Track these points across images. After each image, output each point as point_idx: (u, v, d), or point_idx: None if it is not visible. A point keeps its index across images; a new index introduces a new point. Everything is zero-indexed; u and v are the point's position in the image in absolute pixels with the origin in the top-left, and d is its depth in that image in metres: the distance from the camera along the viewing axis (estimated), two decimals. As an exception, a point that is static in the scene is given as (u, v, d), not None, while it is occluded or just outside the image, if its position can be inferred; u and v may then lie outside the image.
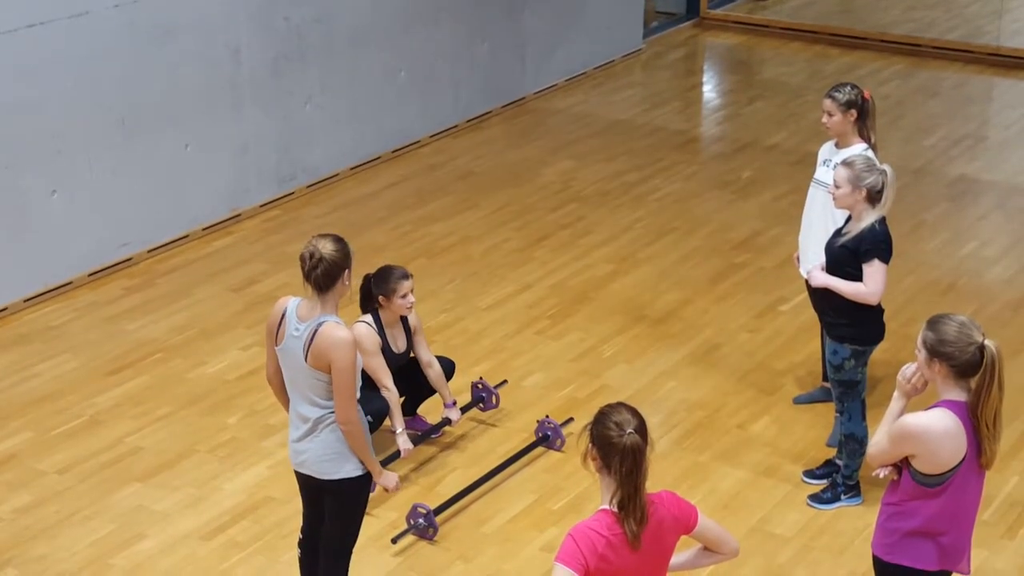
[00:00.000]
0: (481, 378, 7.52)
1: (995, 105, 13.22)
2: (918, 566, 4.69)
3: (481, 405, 7.45)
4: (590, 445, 4.11)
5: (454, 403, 7.20)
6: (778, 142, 11.70)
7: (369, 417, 5.68)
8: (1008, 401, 4.64)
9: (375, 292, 6.85)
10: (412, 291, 6.84)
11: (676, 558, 4.31)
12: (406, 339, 7.02)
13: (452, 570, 6.28)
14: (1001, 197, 10.57)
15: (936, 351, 4.53)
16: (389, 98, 11.16)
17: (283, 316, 5.23)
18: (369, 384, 6.55)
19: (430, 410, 7.45)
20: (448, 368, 7.24)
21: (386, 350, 6.86)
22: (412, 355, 7.11)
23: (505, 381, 7.63)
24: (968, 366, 4.49)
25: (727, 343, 8.32)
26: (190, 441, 7.29)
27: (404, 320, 6.98)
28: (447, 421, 7.19)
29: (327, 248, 5.12)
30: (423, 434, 7.20)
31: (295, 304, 5.24)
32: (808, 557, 6.36)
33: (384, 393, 6.79)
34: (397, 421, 6.81)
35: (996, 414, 4.52)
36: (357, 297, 6.90)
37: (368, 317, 6.89)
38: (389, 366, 6.83)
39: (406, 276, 6.84)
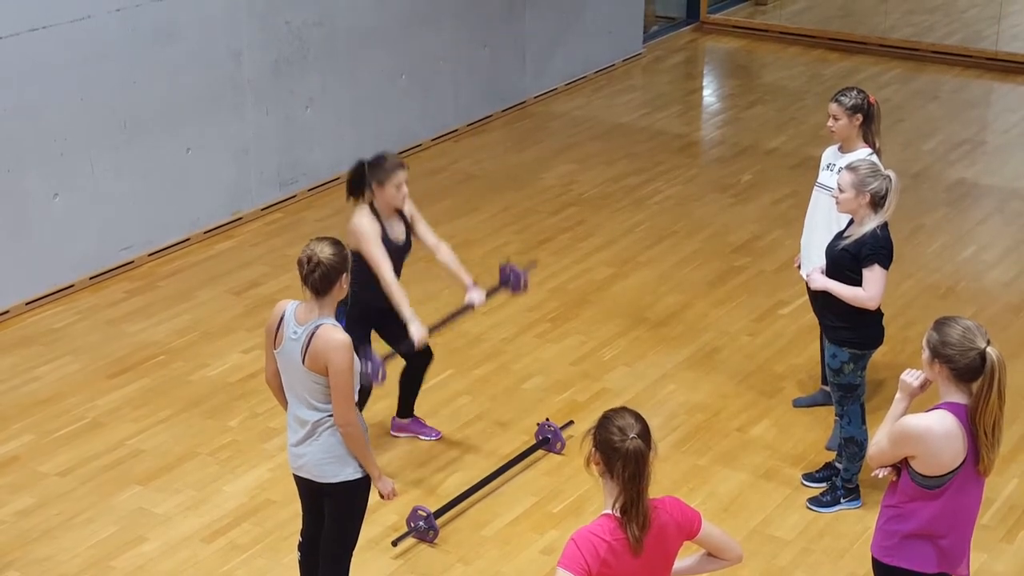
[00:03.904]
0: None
1: (994, 109, 13.24)
2: (917, 568, 4.70)
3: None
4: (593, 449, 4.11)
5: (474, 283, 6.80)
6: (778, 146, 11.72)
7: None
8: (1008, 404, 4.64)
9: (369, 178, 6.57)
10: (406, 183, 6.58)
11: (679, 563, 4.30)
12: (405, 230, 6.75)
13: (452, 572, 6.29)
14: (1000, 201, 10.59)
15: (937, 352, 4.55)
16: (390, 101, 11.17)
17: (281, 319, 5.25)
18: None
19: (429, 413, 7.47)
20: (427, 357, 7.09)
21: (384, 240, 6.58)
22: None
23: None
24: (968, 371, 4.50)
25: (727, 346, 8.33)
26: (191, 444, 7.30)
27: (401, 213, 6.74)
28: (470, 305, 6.82)
29: (325, 252, 5.14)
30: (450, 316, 6.85)
31: (293, 307, 5.25)
32: (808, 560, 6.37)
33: (384, 285, 6.49)
34: (405, 310, 6.51)
35: (996, 422, 4.52)
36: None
37: (367, 208, 6.62)
38: (390, 258, 6.56)
39: (402, 166, 6.60)
